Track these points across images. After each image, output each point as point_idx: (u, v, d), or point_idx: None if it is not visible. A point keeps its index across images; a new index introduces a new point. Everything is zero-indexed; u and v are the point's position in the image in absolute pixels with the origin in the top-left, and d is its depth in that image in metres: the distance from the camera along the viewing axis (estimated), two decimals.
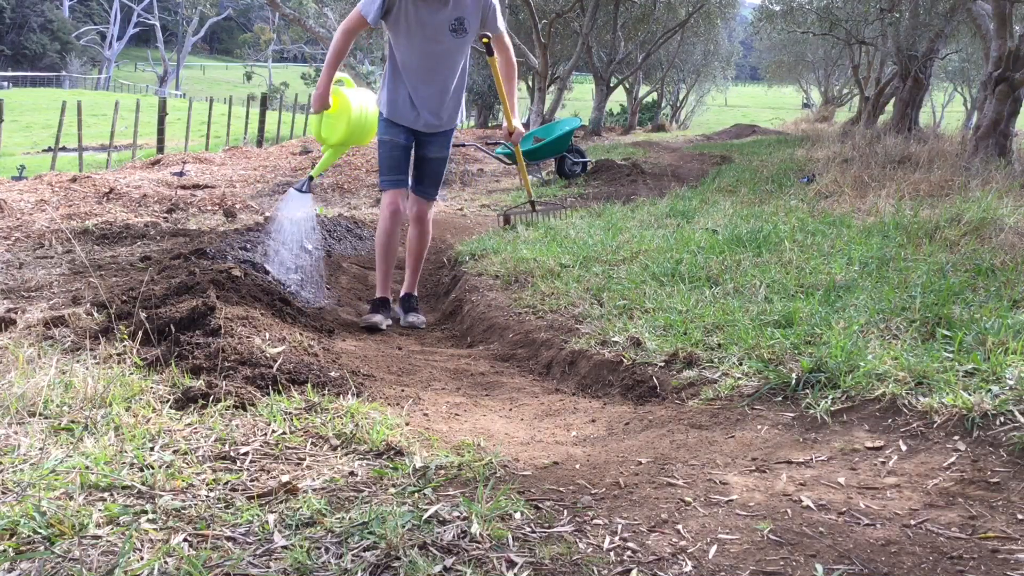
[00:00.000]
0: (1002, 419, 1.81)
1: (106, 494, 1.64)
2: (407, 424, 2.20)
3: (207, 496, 1.67)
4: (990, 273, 3.36)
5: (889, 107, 19.63)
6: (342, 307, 4.16)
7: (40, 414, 2.02)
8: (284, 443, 1.97)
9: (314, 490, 1.71)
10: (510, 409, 2.56)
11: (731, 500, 1.65)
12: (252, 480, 1.77)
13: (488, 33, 3.87)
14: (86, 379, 2.17)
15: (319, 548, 1.46)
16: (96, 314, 3.10)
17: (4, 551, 1.40)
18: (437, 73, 3.76)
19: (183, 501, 1.63)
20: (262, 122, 17.11)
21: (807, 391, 2.19)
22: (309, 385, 2.39)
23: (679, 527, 1.53)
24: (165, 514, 1.57)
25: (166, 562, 1.39)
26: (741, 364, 2.48)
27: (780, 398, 2.23)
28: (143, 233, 5.82)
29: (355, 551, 1.45)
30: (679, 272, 3.73)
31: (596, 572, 1.38)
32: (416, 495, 1.69)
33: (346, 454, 1.93)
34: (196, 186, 8.92)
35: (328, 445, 1.98)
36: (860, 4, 16.60)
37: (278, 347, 2.66)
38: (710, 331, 2.82)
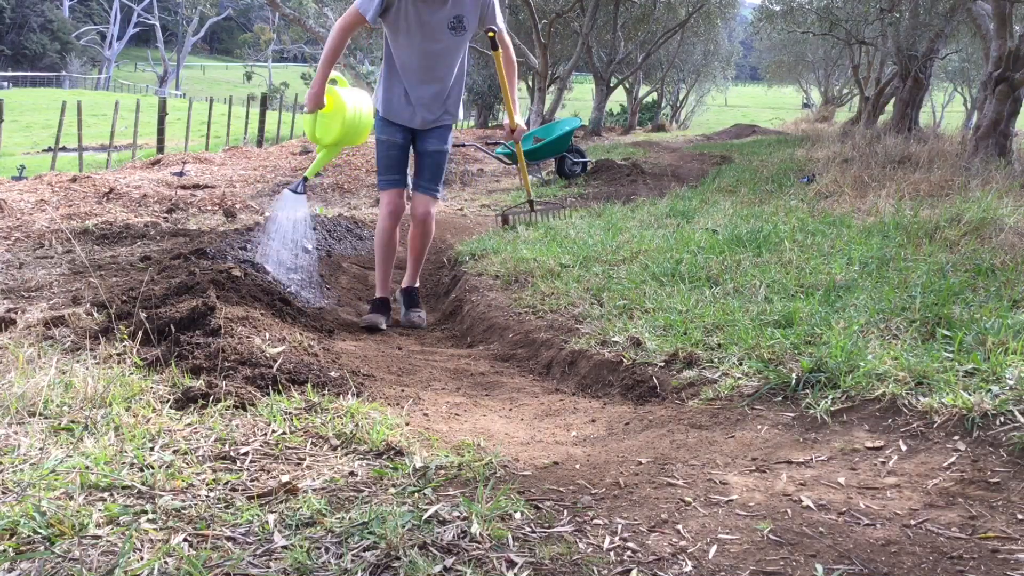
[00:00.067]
0: (1002, 419, 1.81)
1: (106, 494, 1.64)
2: (407, 424, 2.20)
3: (207, 496, 1.67)
4: (990, 273, 3.36)
5: (889, 107, 19.63)
6: (342, 307, 4.16)
7: (40, 414, 2.02)
8: (284, 443, 1.97)
9: (314, 490, 1.71)
10: (510, 409, 2.56)
11: (731, 500, 1.65)
12: (252, 480, 1.77)
13: (492, 28, 3.85)
14: (86, 379, 2.17)
15: (319, 548, 1.46)
16: (96, 314, 3.10)
17: (4, 551, 1.40)
18: (435, 72, 3.74)
19: (183, 501, 1.63)
20: (262, 122, 17.11)
21: (807, 391, 2.19)
22: (309, 385, 2.39)
23: (679, 527, 1.53)
24: (165, 514, 1.57)
25: (166, 562, 1.39)
26: (741, 364, 2.48)
27: (780, 398, 2.23)
28: (143, 233, 5.82)
29: (355, 551, 1.45)
30: (679, 272, 3.73)
31: (596, 572, 1.38)
32: (416, 495, 1.69)
33: (346, 454, 1.93)
34: (196, 186, 8.92)
35: (328, 445, 1.98)
36: (860, 4, 16.60)
37: (278, 347, 2.66)
38: (710, 331, 2.82)
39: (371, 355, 3.13)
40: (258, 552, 1.45)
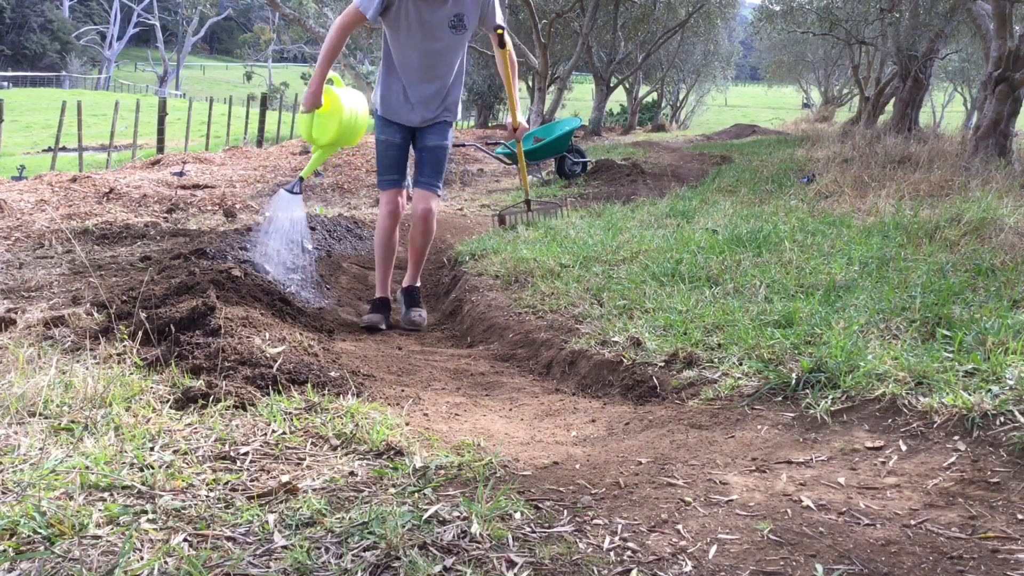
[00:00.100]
0: (1002, 419, 1.81)
1: (106, 494, 1.64)
2: (407, 424, 2.20)
3: (207, 496, 1.67)
4: (990, 273, 3.36)
5: (889, 107, 19.64)
6: (342, 307, 4.16)
7: (40, 414, 2.02)
8: (284, 443, 1.97)
9: (314, 490, 1.71)
10: (510, 409, 2.56)
11: (731, 500, 1.65)
12: (252, 480, 1.77)
13: (501, 25, 3.82)
14: (86, 379, 2.17)
15: (319, 548, 1.46)
16: (96, 314, 3.10)
17: (4, 551, 1.40)
18: (436, 70, 3.73)
19: (183, 501, 1.63)
20: (262, 122, 17.11)
21: (807, 391, 2.19)
22: (309, 385, 2.39)
23: (679, 527, 1.53)
24: (165, 514, 1.57)
25: (166, 562, 1.39)
26: (741, 364, 2.48)
27: (780, 398, 2.23)
28: (143, 233, 5.82)
29: (355, 551, 1.45)
30: (679, 272, 3.73)
31: (596, 572, 1.38)
32: (416, 495, 1.69)
33: (346, 454, 1.93)
34: (196, 186, 8.92)
35: (328, 445, 1.98)
36: (860, 4, 16.61)
37: (278, 347, 2.66)
38: (710, 331, 2.82)
39: (371, 355, 3.13)
40: (258, 552, 1.45)
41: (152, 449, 1.87)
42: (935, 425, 1.87)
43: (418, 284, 4.04)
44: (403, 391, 2.61)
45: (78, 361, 2.38)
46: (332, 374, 2.56)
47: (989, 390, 1.94)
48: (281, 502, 1.66)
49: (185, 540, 1.48)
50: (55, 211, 6.53)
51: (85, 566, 1.38)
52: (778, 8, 21.18)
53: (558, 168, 10.39)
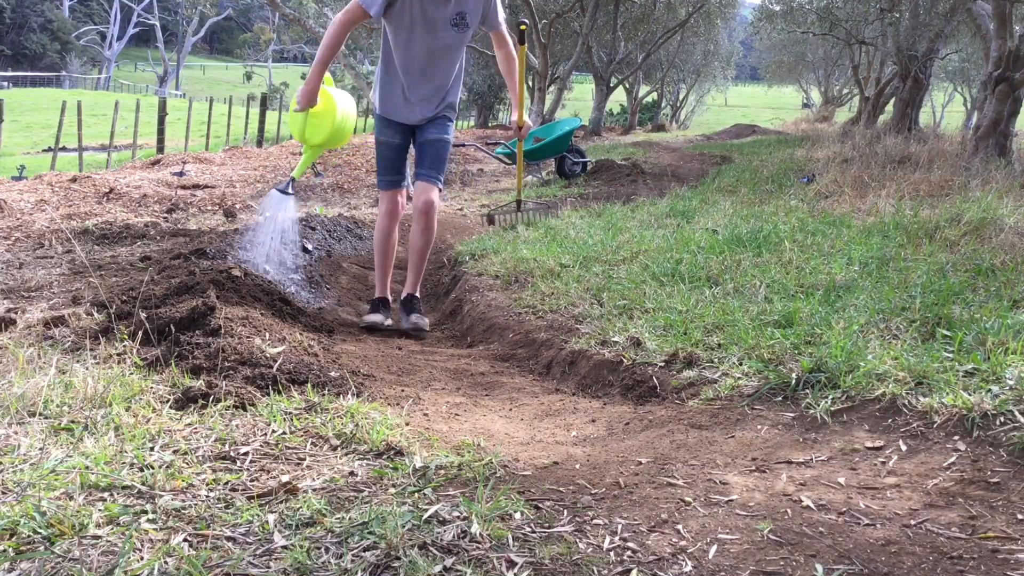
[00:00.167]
0: (1002, 419, 1.81)
1: (106, 494, 1.64)
2: (407, 424, 2.20)
3: (207, 496, 1.66)
4: (990, 273, 3.36)
5: (889, 107, 19.65)
6: (342, 307, 4.16)
7: (40, 414, 2.02)
8: (284, 443, 1.97)
9: (314, 490, 1.71)
10: (510, 409, 2.56)
11: (731, 500, 1.65)
12: (252, 480, 1.77)
13: (524, 21, 3.78)
14: (86, 379, 2.17)
15: (319, 548, 1.46)
16: (96, 314, 3.10)
17: (4, 551, 1.40)
18: (437, 68, 3.70)
19: (183, 501, 1.63)
20: (262, 122, 17.12)
21: (807, 391, 2.19)
22: (309, 385, 2.39)
23: (679, 527, 1.53)
24: (165, 514, 1.57)
25: (166, 562, 1.39)
26: (741, 364, 2.48)
27: (780, 398, 2.23)
28: (143, 233, 5.82)
29: (355, 551, 1.45)
30: (679, 272, 3.73)
31: (596, 572, 1.38)
32: (416, 495, 1.69)
33: (346, 454, 1.93)
34: (196, 186, 8.92)
35: (328, 445, 1.98)
36: (860, 4, 16.61)
37: (278, 347, 2.66)
38: (710, 331, 2.82)
39: (371, 355, 3.13)
40: (258, 552, 1.45)
41: (152, 449, 1.87)
42: (935, 425, 1.87)
43: (417, 294, 3.89)
44: (403, 391, 2.61)
45: (78, 361, 2.38)
46: (332, 374, 2.56)
47: (989, 390, 1.94)
48: (281, 502, 1.66)
49: (185, 540, 1.48)
50: (55, 211, 6.53)
51: (85, 566, 1.38)
52: (778, 8, 21.19)
53: (558, 168, 10.39)
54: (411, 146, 3.91)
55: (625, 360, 2.74)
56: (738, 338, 2.66)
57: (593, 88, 25.90)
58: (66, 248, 5.14)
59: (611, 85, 26.21)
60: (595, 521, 1.57)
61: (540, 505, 1.65)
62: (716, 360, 2.56)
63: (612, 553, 1.44)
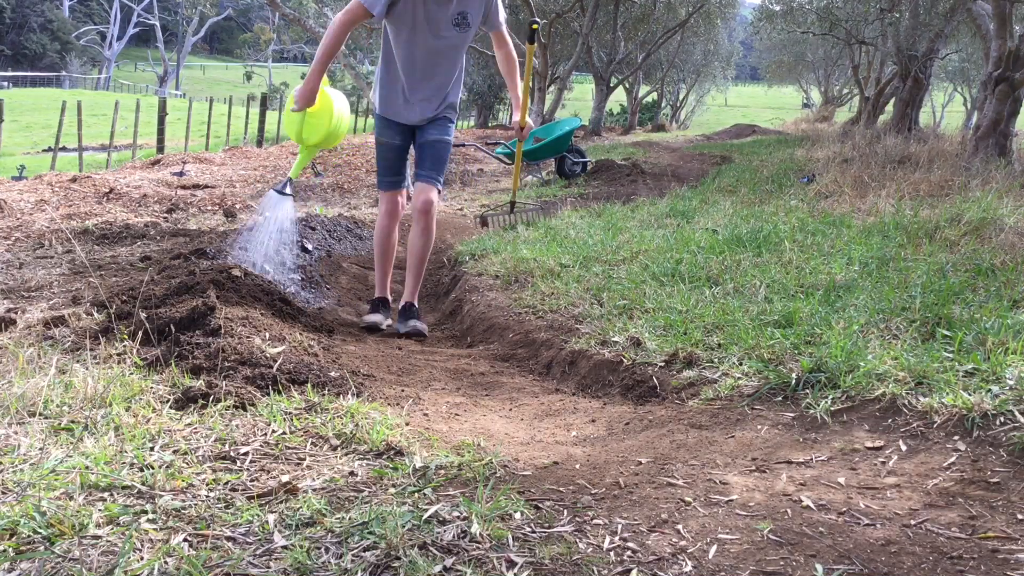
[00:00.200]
0: (1002, 419, 1.81)
1: (106, 494, 1.64)
2: (407, 424, 2.20)
3: (207, 496, 1.66)
4: (990, 273, 3.36)
5: (889, 107, 19.65)
6: (342, 307, 4.16)
7: (40, 414, 2.02)
8: (284, 443, 1.97)
9: (314, 490, 1.71)
10: (510, 409, 2.56)
11: (731, 500, 1.65)
12: (252, 480, 1.77)
13: (536, 21, 3.76)
14: (86, 379, 2.17)
15: (319, 548, 1.46)
16: (96, 314, 3.10)
17: (4, 551, 1.40)
18: (438, 67, 3.69)
19: (183, 501, 1.63)
20: (262, 122, 17.12)
21: (807, 391, 2.19)
22: (309, 385, 2.39)
23: (679, 527, 1.53)
24: (165, 514, 1.57)
25: (166, 562, 1.39)
26: (741, 364, 2.48)
27: (780, 398, 2.23)
28: (143, 233, 5.82)
29: (355, 551, 1.45)
30: (679, 272, 3.73)
31: (596, 572, 1.38)
32: (416, 495, 1.69)
33: (346, 454, 1.93)
34: (196, 186, 8.93)
35: (328, 445, 1.98)
36: (860, 4, 16.62)
37: (278, 347, 2.66)
38: (710, 331, 2.82)
39: (371, 355, 3.13)
40: (258, 552, 1.45)
41: (152, 449, 1.87)
42: (935, 425, 1.87)
43: (415, 303, 3.83)
44: (403, 391, 2.61)
45: (78, 361, 2.38)
46: (332, 374, 2.56)
47: (989, 390, 1.94)
48: (281, 502, 1.66)
49: (185, 540, 1.48)
50: (55, 211, 6.53)
51: (85, 566, 1.38)
52: (778, 8, 21.20)
53: (558, 168, 10.39)
54: (411, 147, 3.91)
55: (625, 360, 2.74)
56: (738, 338, 2.66)
57: (593, 88, 25.91)
58: (66, 248, 5.14)
59: (611, 85, 26.22)
60: (595, 521, 1.57)
61: (540, 505, 1.65)
62: (716, 360, 2.56)
63: (612, 553, 1.44)
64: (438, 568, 1.38)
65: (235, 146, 15.94)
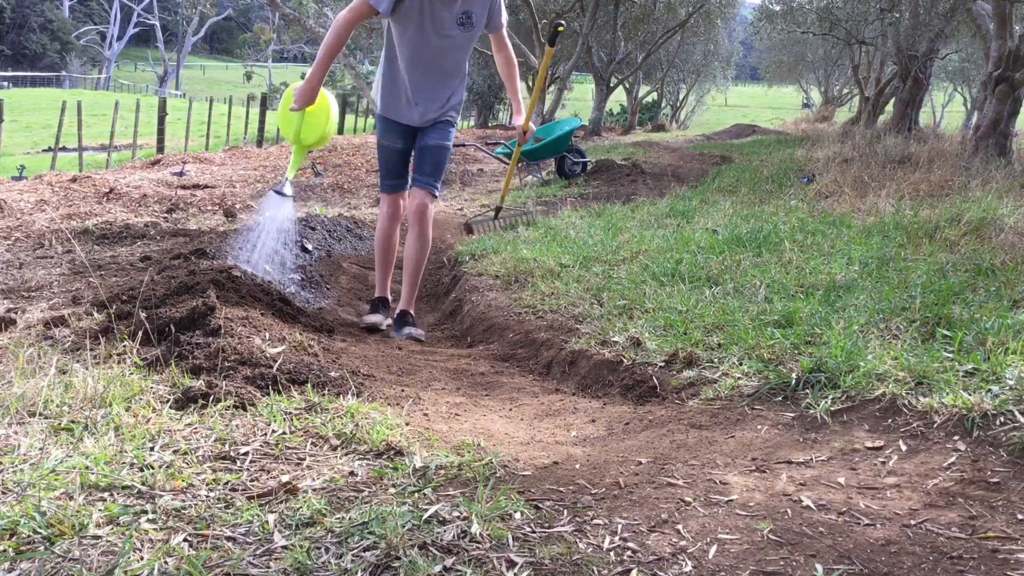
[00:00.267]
0: (1002, 419, 1.81)
1: (106, 494, 1.64)
2: (407, 424, 2.20)
3: (207, 496, 1.66)
4: (990, 273, 3.36)
5: (889, 107, 19.65)
6: (342, 307, 4.16)
7: (40, 414, 2.02)
8: (284, 443, 1.97)
9: (314, 490, 1.71)
10: (510, 409, 2.56)
11: (731, 500, 1.65)
12: (252, 480, 1.77)
13: (561, 23, 3.74)
14: (86, 379, 2.17)
15: (319, 548, 1.46)
16: (96, 314, 3.10)
17: (4, 551, 1.40)
18: (442, 67, 3.67)
19: (183, 501, 1.63)
20: (262, 122, 17.13)
21: (807, 391, 2.19)
22: (309, 385, 2.39)
23: (679, 527, 1.53)
24: (165, 514, 1.57)
25: (166, 562, 1.39)
26: (741, 364, 2.48)
27: (780, 398, 2.23)
28: (143, 233, 5.82)
29: (355, 551, 1.45)
30: (679, 272, 3.73)
31: (596, 572, 1.38)
32: (416, 495, 1.69)
33: (346, 454, 1.93)
34: (196, 186, 8.93)
35: (328, 445, 1.98)
36: (860, 4, 16.62)
37: (278, 347, 2.66)
38: (710, 331, 2.82)
39: (371, 355, 3.13)
40: (258, 552, 1.45)
41: (152, 449, 1.87)
42: (935, 425, 1.87)
43: (411, 311, 3.80)
44: (403, 391, 2.61)
45: (78, 361, 2.38)
46: (332, 374, 2.56)
47: (989, 390, 1.94)
48: (281, 502, 1.66)
49: (185, 540, 1.48)
50: (55, 211, 6.53)
51: (85, 566, 1.38)
52: (778, 8, 21.21)
53: (558, 168, 10.39)
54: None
55: (625, 360, 2.74)
56: (738, 338, 2.66)
57: (593, 88, 25.91)
58: (66, 248, 5.14)
59: (611, 85, 26.22)
60: (595, 521, 1.57)
61: (540, 505, 1.65)
62: (716, 360, 2.56)
63: (612, 553, 1.44)
64: (438, 568, 1.38)
65: (235, 146, 15.94)
